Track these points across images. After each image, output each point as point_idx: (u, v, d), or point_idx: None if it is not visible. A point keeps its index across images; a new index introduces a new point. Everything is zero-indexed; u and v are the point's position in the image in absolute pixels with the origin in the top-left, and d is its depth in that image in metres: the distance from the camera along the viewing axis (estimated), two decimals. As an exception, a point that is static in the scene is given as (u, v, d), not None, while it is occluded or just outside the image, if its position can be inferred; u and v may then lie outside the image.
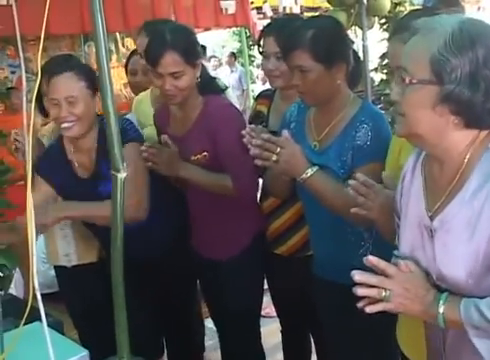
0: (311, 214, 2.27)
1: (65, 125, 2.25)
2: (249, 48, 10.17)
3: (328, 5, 4.66)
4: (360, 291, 1.31)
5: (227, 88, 3.08)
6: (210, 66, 10.99)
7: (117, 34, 6.50)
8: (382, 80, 5.10)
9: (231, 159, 2.31)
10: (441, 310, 1.31)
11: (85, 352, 1.69)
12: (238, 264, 2.50)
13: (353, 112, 2.10)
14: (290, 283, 2.59)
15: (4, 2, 3.85)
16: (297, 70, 2.05)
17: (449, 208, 1.35)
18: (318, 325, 2.44)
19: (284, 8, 6.76)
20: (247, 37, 8.13)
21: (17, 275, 3.55)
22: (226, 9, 5.98)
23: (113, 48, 6.56)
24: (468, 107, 1.25)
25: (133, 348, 1.64)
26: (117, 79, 5.83)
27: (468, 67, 1.23)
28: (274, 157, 1.94)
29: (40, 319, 1.24)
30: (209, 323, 3.05)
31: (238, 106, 2.80)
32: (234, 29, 10.25)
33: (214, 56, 12.74)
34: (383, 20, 4.80)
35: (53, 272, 2.98)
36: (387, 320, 1.80)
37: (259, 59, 10.89)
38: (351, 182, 1.66)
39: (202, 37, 8.01)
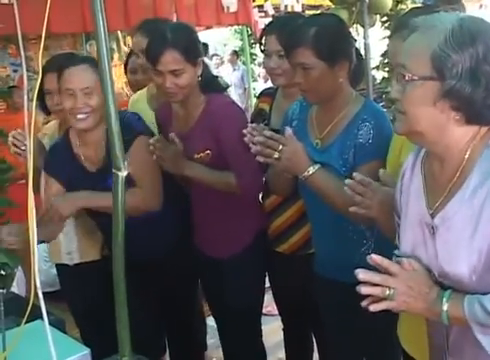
0: (313, 212, 2.27)
1: (80, 116, 2.27)
2: (251, 46, 10.16)
3: (330, 3, 4.67)
4: (364, 290, 1.31)
5: (229, 86, 3.08)
6: (212, 64, 10.99)
7: (119, 33, 6.50)
8: (384, 78, 5.10)
9: (234, 157, 2.31)
10: (445, 307, 1.31)
11: (87, 350, 1.69)
12: (240, 262, 2.50)
13: (355, 110, 2.10)
14: (292, 281, 2.59)
15: (6, 1, 3.85)
16: (300, 68, 2.05)
17: (450, 205, 1.35)
18: (320, 324, 2.44)
19: (286, 6, 6.76)
20: (249, 35, 8.11)
21: (19, 273, 3.55)
22: (228, 7, 5.98)
23: (115, 47, 6.56)
24: (469, 103, 1.26)
25: (135, 346, 1.64)
26: (119, 77, 5.83)
27: (469, 63, 1.24)
28: (276, 154, 1.94)
29: (42, 317, 1.25)
30: (211, 321, 3.06)
31: (240, 104, 2.80)
32: (236, 27, 10.24)
33: (216, 54, 12.74)
34: (385, 18, 4.81)
35: (55, 271, 2.98)
36: (389, 318, 1.80)
37: (261, 57, 10.86)
38: (348, 181, 1.66)
39: (204, 35, 8.01)
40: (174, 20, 4.98)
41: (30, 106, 1.21)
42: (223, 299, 2.56)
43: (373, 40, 4.22)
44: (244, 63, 9.97)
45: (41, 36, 1.28)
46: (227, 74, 10.84)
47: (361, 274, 1.31)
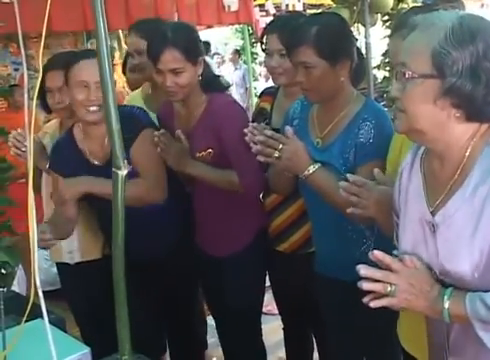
0: (313, 211, 2.27)
1: (93, 108, 2.28)
2: (252, 45, 10.14)
3: (331, 2, 4.66)
4: (365, 285, 1.31)
5: (230, 86, 3.09)
6: (213, 64, 10.98)
7: (120, 31, 6.49)
8: (385, 77, 5.09)
9: (236, 156, 2.32)
10: (446, 305, 1.31)
11: (87, 349, 1.69)
12: (240, 261, 2.50)
13: (356, 109, 2.10)
14: (292, 280, 2.59)
15: (7, -1, 3.84)
16: (301, 66, 2.04)
17: (451, 203, 1.35)
18: (320, 324, 2.44)
19: (287, 5, 6.75)
20: (250, 34, 8.10)
21: (20, 272, 3.55)
22: (229, 6, 5.97)
23: (116, 45, 6.56)
24: (469, 100, 1.26)
25: (136, 346, 1.64)
26: (120, 77, 5.83)
27: (469, 60, 1.24)
28: (276, 154, 1.94)
29: (42, 316, 1.24)
30: (211, 320, 3.05)
31: (242, 104, 2.80)
32: (237, 26, 10.22)
33: (217, 53, 12.74)
34: (386, 17, 4.79)
35: (55, 269, 2.98)
36: (389, 317, 1.80)
37: (262, 56, 10.86)
38: (341, 184, 1.66)
39: (205, 34, 8.01)
40: (175, 19, 4.98)
41: (30, 105, 1.21)
42: (223, 298, 2.56)
43: (374, 39, 4.22)
44: (245, 62, 9.97)
45: (42, 34, 1.28)
46: (228, 73, 10.85)
47: (363, 270, 1.31)
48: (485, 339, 1.28)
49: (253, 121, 2.59)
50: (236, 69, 11.42)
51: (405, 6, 4.59)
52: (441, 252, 1.36)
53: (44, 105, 2.69)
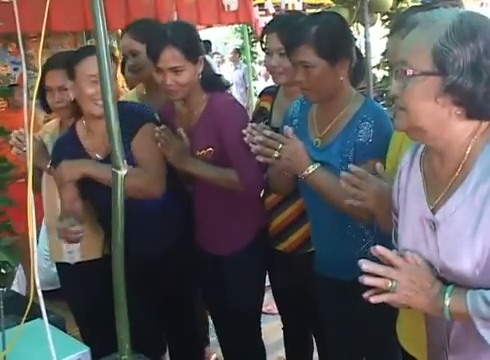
0: (313, 211, 2.27)
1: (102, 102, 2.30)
2: (251, 45, 10.14)
3: (330, 2, 4.66)
4: (367, 280, 1.31)
5: (231, 85, 3.09)
6: (213, 63, 10.97)
7: (119, 31, 6.49)
8: (384, 77, 5.07)
9: (236, 155, 2.32)
10: (447, 303, 1.31)
11: (86, 349, 1.68)
12: (240, 260, 2.50)
13: (355, 109, 2.10)
14: (292, 280, 2.59)
15: (6, -1, 3.84)
16: (301, 66, 2.04)
17: (451, 201, 1.35)
18: (320, 324, 2.44)
19: (286, 5, 6.76)
20: (249, 34, 8.10)
21: (20, 272, 3.55)
22: (228, 6, 5.98)
23: (115, 45, 6.55)
24: (470, 97, 1.26)
25: (135, 346, 1.64)
26: (119, 76, 5.83)
27: (470, 57, 1.24)
28: (276, 154, 1.94)
29: (41, 316, 1.24)
30: (213, 319, 3.06)
31: (242, 103, 2.81)
32: (236, 26, 10.22)
33: (217, 53, 12.74)
34: (385, 17, 4.78)
35: (55, 269, 2.98)
36: (389, 317, 1.80)
37: (261, 56, 10.85)
38: (342, 174, 1.66)
39: (204, 34, 8.01)
40: (175, 19, 4.98)
41: (30, 104, 1.21)
42: (223, 296, 2.56)
43: (374, 39, 4.21)
44: (245, 61, 9.97)
45: (41, 34, 1.28)
46: (228, 73, 10.84)
47: (364, 264, 1.31)
48: (486, 337, 1.28)
49: (253, 120, 2.59)
50: (236, 68, 11.42)
51: (405, 5, 4.59)
52: (442, 250, 1.36)
53: (44, 104, 2.69)
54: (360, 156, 2.02)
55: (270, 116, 2.61)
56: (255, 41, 10.11)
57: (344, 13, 3.84)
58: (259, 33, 6.85)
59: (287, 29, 2.22)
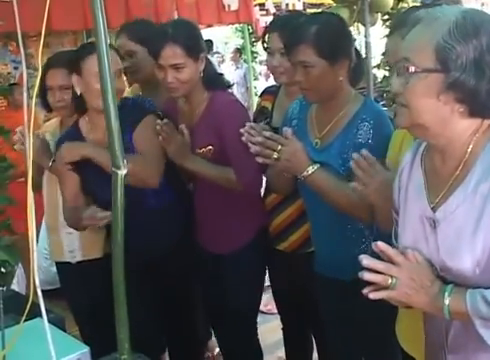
0: (312, 211, 2.27)
1: None
2: (252, 44, 10.14)
3: (331, 1, 4.66)
4: (367, 276, 1.31)
5: (233, 84, 3.09)
6: (214, 62, 10.95)
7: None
8: (385, 77, 5.08)
9: (235, 155, 2.32)
10: (447, 301, 1.30)
11: (86, 349, 1.68)
12: (240, 258, 2.51)
13: (355, 109, 2.10)
14: (292, 279, 2.60)
15: (6, -2, 3.84)
16: (300, 66, 2.04)
17: (452, 199, 1.34)
18: (320, 324, 2.44)
19: (287, 5, 6.75)
20: (250, 33, 8.10)
21: (20, 271, 3.55)
22: (229, 5, 5.98)
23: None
24: (473, 95, 1.25)
25: (135, 346, 1.64)
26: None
27: (473, 54, 1.24)
28: (275, 155, 1.94)
29: (41, 315, 1.24)
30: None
31: (243, 103, 2.81)
32: (237, 25, 10.22)
33: (217, 52, 12.73)
34: (386, 16, 4.78)
35: (55, 269, 2.98)
36: (388, 317, 1.80)
37: (262, 55, 10.85)
38: (354, 155, 1.68)
39: (205, 33, 7.97)
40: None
41: (30, 103, 1.21)
42: (222, 295, 2.56)
43: (374, 39, 4.22)
44: (245, 61, 9.97)
45: (41, 33, 1.28)
46: (228, 72, 10.83)
47: (365, 260, 1.30)
48: (485, 336, 1.27)
49: (254, 120, 2.60)
50: (237, 68, 11.41)
51: (405, 5, 4.59)
52: (442, 248, 1.36)
53: (45, 104, 2.69)
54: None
55: (271, 116, 2.61)
56: (256, 41, 10.11)
57: (345, 13, 3.84)
58: (260, 33, 6.86)
59: (288, 29, 2.22)
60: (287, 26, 2.32)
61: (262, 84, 9.57)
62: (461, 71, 1.24)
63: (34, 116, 1.19)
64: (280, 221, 2.55)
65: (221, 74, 2.63)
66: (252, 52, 10.12)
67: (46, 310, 1.23)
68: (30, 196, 1.19)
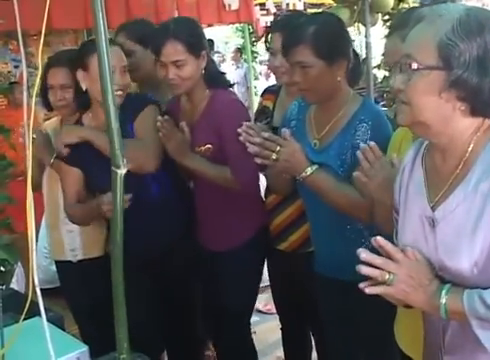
0: (312, 212, 2.27)
1: (119, 92, 2.33)
2: (252, 44, 10.14)
3: (331, 1, 4.66)
4: (364, 269, 1.30)
5: (234, 84, 3.09)
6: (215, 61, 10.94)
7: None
8: (385, 77, 5.08)
9: (233, 154, 2.32)
10: (443, 301, 1.30)
11: (85, 348, 1.68)
12: (238, 256, 2.51)
13: (353, 110, 2.09)
14: (292, 279, 2.60)
15: (6, -4, 3.84)
16: (298, 66, 2.04)
17: (452, 198, 1.34)
18: (319, 324, 2.44)
19: (287, 4, 6.75)
20: (250, 33, 8.10)
21: (19, 270, 3.55)
22: (229, 5, 5.99)
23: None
24: (476, 93, 1.25)
25: (134, 344, 1.64)
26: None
27: (476, 52, 1.23)
28: (274, 156, 1.94)
29: (40, 314, 1.24)
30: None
31: (244, 102, 2.81)
32: (237, 25, 10.22)
33: (218, 52, 12.73)
34: (386, 17, 4.79)
35: (54, 267, 2.98)
36: (388, 317, 1.80)
37: (262, 55, 10.83)
38: (362, 145, 1.70)
39: (205, 33, 7.98)
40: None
41: (30, 102, 1.21)
42: (220, 293, 2.56)
43: (375, 39, 4.22)
44: (246, 61, 9.97)
45: (42, 32, 1.28)
46: (229, 72, 10.83)
47: (363, 253, 1.30)
48: (482, 337, 1.27)
49: (255, 119, 2.60)
50: (238, 68, 11.40)
51: (405, 6, 4.59)
52: (440, 248, 1.35)
53: (45, 102, 2.69)
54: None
55: (272, 115, 2.61)
56: (256, 40, 10.11)
57: (345, 13, 3.84)
58: (260, 33, 6.85)
59: (287, 29, 2.22)
60: (288, 26, 2.32)
61: (262, 84, 9.57)
62: (464, 69, 1.23)
63: (34, 115, 1.19)
64: (280, 221, 2.55)
65: (223, 73, 2.63)
66: (252, 52, 10.12)
67: (45, 309, 1.23)
68: (30, 195, 1.19)
